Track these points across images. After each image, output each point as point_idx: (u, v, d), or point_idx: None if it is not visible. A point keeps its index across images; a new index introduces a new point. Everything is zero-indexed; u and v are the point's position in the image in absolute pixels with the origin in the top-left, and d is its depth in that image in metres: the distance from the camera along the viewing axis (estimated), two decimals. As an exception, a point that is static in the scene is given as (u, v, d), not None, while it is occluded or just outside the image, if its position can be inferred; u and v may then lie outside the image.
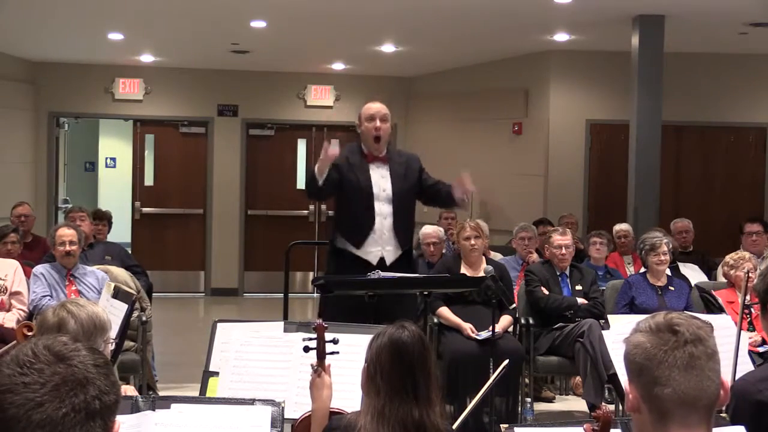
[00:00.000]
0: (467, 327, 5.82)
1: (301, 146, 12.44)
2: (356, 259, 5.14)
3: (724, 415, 2.60)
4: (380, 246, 5.14)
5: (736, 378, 3.38)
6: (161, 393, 5.91)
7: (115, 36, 9.75)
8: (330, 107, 12.28)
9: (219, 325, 3.93)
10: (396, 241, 5.18)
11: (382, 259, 5.14)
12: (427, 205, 5.61)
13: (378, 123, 5.15)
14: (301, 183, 12.40)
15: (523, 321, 6.15)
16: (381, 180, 5.18)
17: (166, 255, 12.01)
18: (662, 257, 6.25)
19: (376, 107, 5.22)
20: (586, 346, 5.80)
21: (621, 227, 8.07)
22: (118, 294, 4.77)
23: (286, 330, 3.84)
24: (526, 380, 6.12)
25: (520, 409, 5.92)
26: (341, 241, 5.22)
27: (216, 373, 3.69)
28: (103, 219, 8.09)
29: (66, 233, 5.93)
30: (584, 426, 2.07)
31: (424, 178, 5.31)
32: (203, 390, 3.70)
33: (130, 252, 8.21)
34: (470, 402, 4.27)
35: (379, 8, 8.20)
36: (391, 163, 5.22)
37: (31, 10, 8.53)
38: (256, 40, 9.78)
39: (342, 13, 8.39)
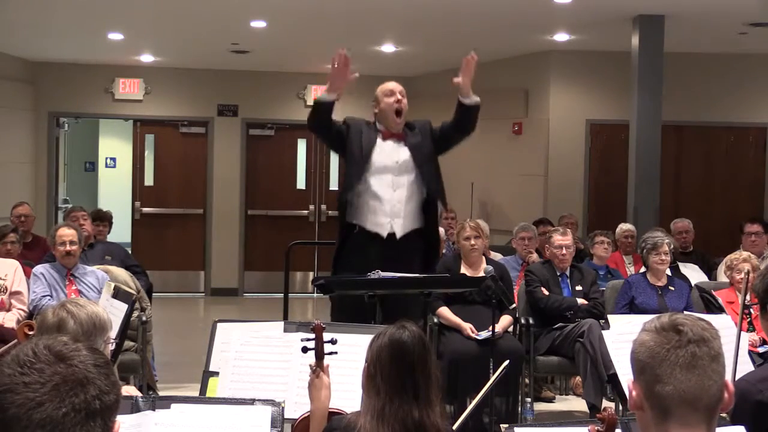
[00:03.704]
0: (467, 327, 5.82)
1: (301, 146, 12.44)
2: (366, 234, 5.07)
3: (724, 415, 2.60)
4: (389, 218, 5.07)
5: (737, 378, 3.39)
6: (161, 393, 5.91)
7: (115, 36, 9.76)
8: (330, 107, 12.27)
9: (219, 325, 3.93)
10: (410, 213, 5.11)
11: (391, 234, 5.05)
12: (449, 148, 5.37)
13: (399, 96, 5.15)
14: (301, 183, 12.42)
15: (523, 321, 6.15)
16: (394, 152, 5.12)
17: (166, 255, 12.01)
18: (663, 257, 6.25)
19: (393, 83, 5.24)
20: (586, 346, 5.80)
21: (627, 227, 8.05)
22: (118, 294, 4.77)
23: (285, 330, 3.84)
24: (526, 380, 6.12)
25: (520, 409, 5.92)
26: (350, 214, 5.14)
27: (216, 373, 3.69)
28: (104, 219, 8.08)
29: (66, 233, 5.93)
30: (589, 427, 2.07)
31: (436, 134, 5.23)
32: (203, 390, 3.70)
33: (130, 252, 8.21)
34: (470, 402, 4.27)
35: (379, 8, 8.20)
36: (407, 137, 5.19)
37: (31, 10, 8.53)
38: (256, 40, 9.78)
39: (342, 13, 8.39)
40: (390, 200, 5.08)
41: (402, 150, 5.15)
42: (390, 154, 5.13)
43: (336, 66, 5.02)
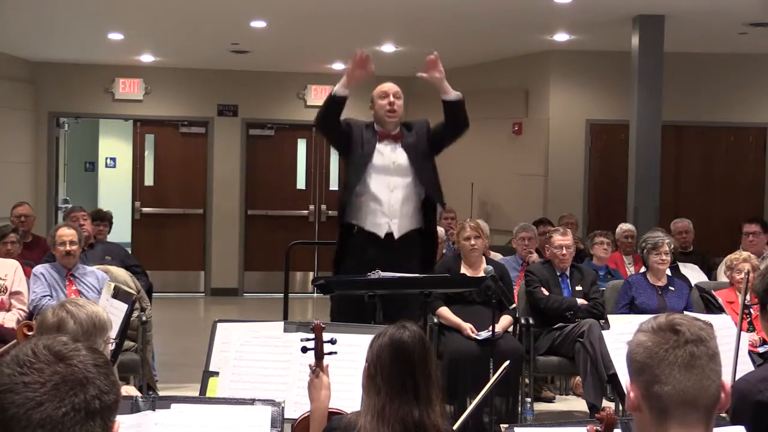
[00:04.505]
0: (467, 327, 5.82)
1: (301, 146, 12.45)
2: (365, 234, 5.12)
3: (724, 415, 2.60)
4: (387, 218, 5.12)
5: (736, 378, 3.38)
6: (161, 393, 5.91)
7: (115, 36, 9.76)
8: (330, 107, 12.26)
9: (219, 325, 3.94)
10: (407, 214, 5.16)
11: (389, 234, 5.10)
12: (443, 147, 5.38)
13: (392, 98, 5.22)
14: (301, 183, 12.42)
15: (523, 321, 6.15)
16: (392, 154, 5.18)
17: (166, 255, 12.02)
18: (664, 256, 6.25)
19: (388, 85, 5.31)
20: (586, 346, 5.80)
21: (627, 227, 8.05)
22: (118, 294, 4.77)
23: (285, 330, 3.84)
24: (526, 380, 6.12)
25: (520, 409, 5.92)
26: (349, 215, 5.20)
27: (216, 373, 3.69)
28: (105, 219, 8.08)
29: (66, 233, 5.93)
30: (587, 427, 2.06)
31: (431, 134, 5.29)
32: (203, 390, 3.70)
33: (130, 252, 8.21)
34: (470, 402, 4.26)
35: (378, 8, 8.20)
36: (403, 138, 5.24)
37: (31, 10, 8.53)
38: (256, 40, 9.78)
39: (342, 13, 8.39)
40: (387, 201, 5.13)
41: (398, 151, 5.21)
42: (387, 156, 5.19)
43: (355, 61, 5.08)
